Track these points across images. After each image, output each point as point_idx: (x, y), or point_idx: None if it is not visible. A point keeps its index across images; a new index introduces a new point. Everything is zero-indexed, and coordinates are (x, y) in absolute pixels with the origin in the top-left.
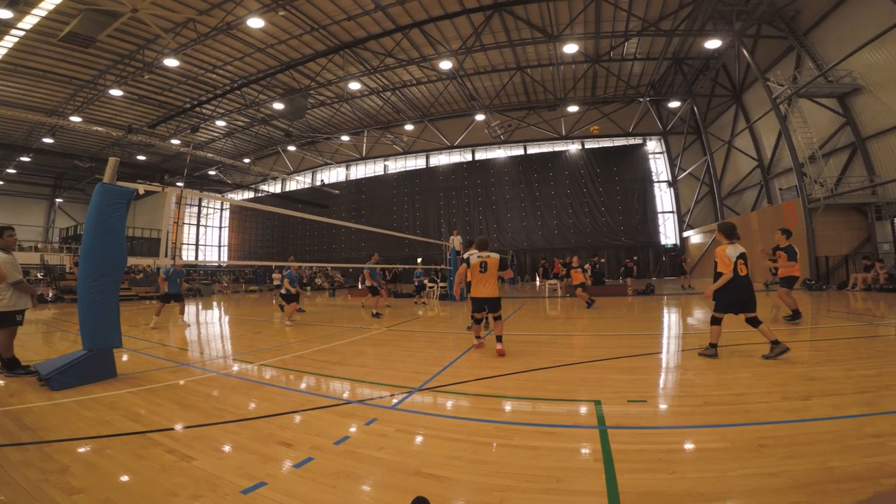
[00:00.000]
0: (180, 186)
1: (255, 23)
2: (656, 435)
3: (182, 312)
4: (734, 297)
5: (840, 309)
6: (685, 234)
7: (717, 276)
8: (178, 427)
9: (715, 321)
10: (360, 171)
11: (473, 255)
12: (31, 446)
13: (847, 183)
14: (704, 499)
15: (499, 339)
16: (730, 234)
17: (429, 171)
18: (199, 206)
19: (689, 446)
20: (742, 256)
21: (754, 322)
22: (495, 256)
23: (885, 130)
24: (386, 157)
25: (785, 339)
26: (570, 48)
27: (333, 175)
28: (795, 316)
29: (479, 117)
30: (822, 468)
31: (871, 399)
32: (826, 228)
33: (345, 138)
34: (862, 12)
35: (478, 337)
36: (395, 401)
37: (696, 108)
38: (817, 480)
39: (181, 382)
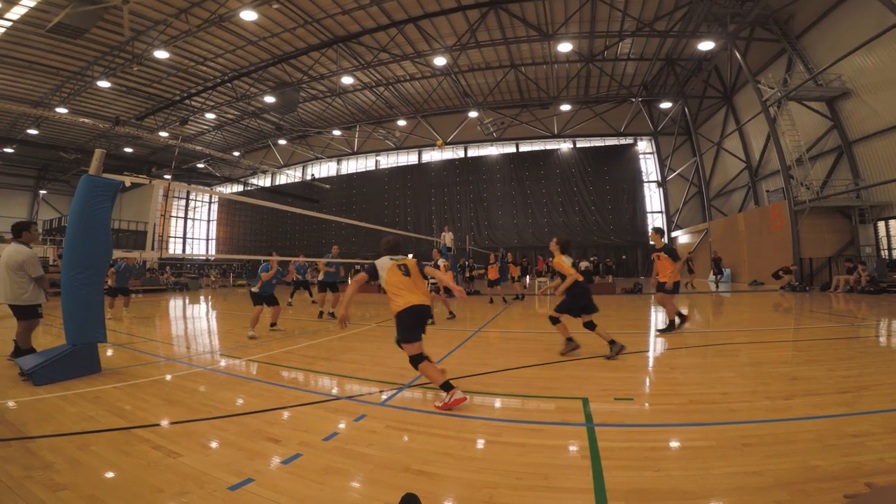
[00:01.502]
0: (168, 179)
1: (249, 15)
2: (642, 433)
3: (126, 305)
4: (577, 301)
5: (823, 310)
6: (673, 234)
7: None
8: (165, 423)
9: (554, 320)
10: (352, 165)
11: (385, 260)
12: (13, 442)
13: (832, 186)
14: (689, 496)
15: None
16: (564, 247)
17: (421, 168)
18: (187, 198)
19: (674, 444)
20: (576, 265)
21: (591, 325)
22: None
23: (871, 134)
24: (378, 152)
25: (770, 339)
26: (565, 47)
27: (324, 169)
28: (674, 324)
29: (473, 114)
30: (803, 467)
31: (851, 399)
32: (811, 231)
33: (336, 133)
34: (854, 17)
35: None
36: (384, 397)
37: (687, 110)
38: (799, 479)
39: (167, 378)
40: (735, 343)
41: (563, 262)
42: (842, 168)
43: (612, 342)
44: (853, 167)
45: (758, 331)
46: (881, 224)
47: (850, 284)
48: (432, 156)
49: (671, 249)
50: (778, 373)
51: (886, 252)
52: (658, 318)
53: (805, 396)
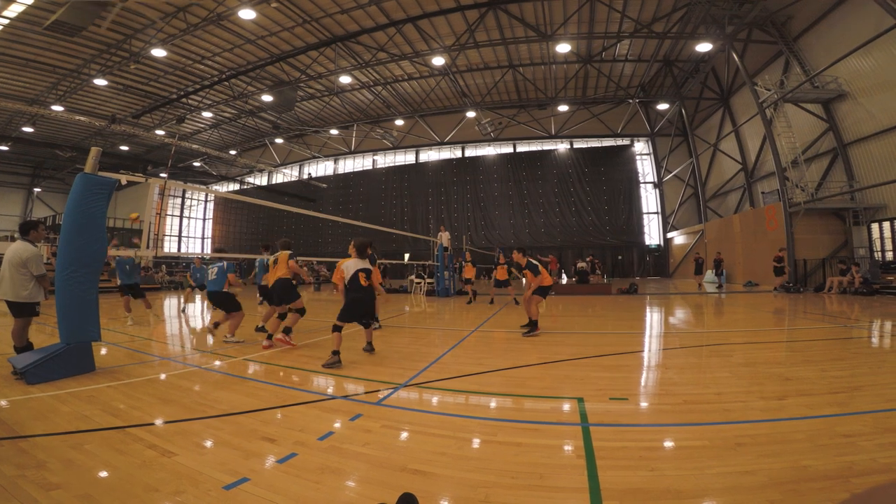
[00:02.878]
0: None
1: (247, 14)
2: (637, 432)
3: (128, 310)
4: (356, 309)
5: (816, 311)
6: (669, 234)
7: (345, 288)
8: (159, 422)
9: (337, 328)
10: (349, 165)
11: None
12: (5, 441)
13: (827, 188)
14: (684, 496)
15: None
16: (360, 251)
17: (418, 167)
18: (183, 197)
19: (668, 444)
20: (364, 270)
21: (367, 324)
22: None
23: (865, 137)
24: (375, 151)
25: (765, 340)
26: (563, 48)
27: (321, 168)
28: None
29: (470, 114)
30: (795, 467)
31: (844, 399)
32: (805, 232)
33: (334, 132)
34: (851, 19)
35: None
36: (380, 396)
37: (683, 111)
38: (791, 479)
39: (162, 377)
40: (730, 343)
41: (342, 267)
42: (837, 170)
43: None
44: (848, 169)
45: (752, 331)
46: (875, 226)
47: (844, 286)
48: (430, 155)
49: (533, 265)
50: (772, 373)
51: (880, 254)
52: (653, 318)
53: (798, 397)
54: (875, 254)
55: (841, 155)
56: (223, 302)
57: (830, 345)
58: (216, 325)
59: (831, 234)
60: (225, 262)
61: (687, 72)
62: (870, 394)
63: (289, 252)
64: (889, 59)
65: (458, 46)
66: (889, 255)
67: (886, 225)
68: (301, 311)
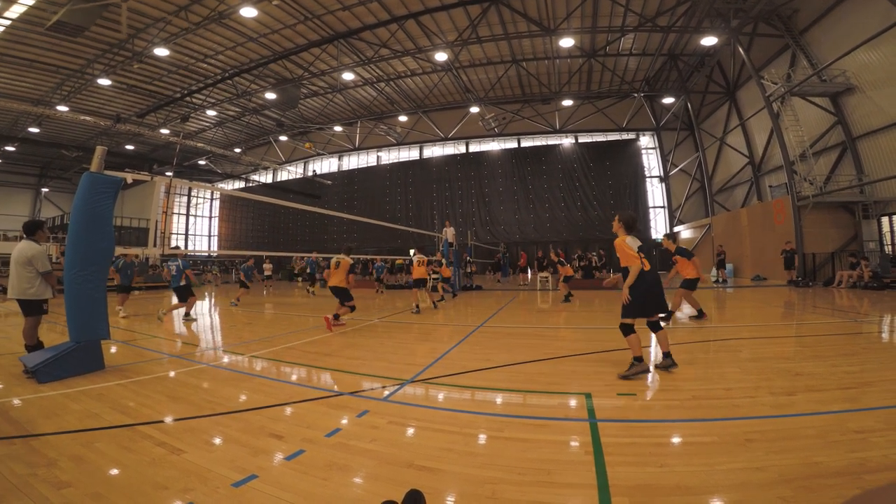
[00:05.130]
0: (169, 176)
1: (248, 12)
2: (645, 428)
3: (121, 304)
4: (642, 298)
5: (825, 306)
6: (675, 228)
7: (624, 271)
8: (168, 419)
9: (629, 330)
10: (353, 161)
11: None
12: (17, 440)
13: (836, 181)
14: (693, 492)
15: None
16: (629, 224)
17: (422, 163)
18: (189, 195)
19: (677, 440)
20: (642, 250)
21: (655, 326)
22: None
23: (875, 130)
24: (379, 147)
25: (773, 335)
26: (567, 42)
27: (326, 165)
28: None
29: (474, 109)
30: (806, 463)
31: (854, 395)
32: (814, 226)
33: (338, 129)
34: (859, 12)
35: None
36: (386, 392)
37: (689, 105)
38: (802, 475)
39: (171, 374)
40: (737, 338)
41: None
42: (845, 164)
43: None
44: (857, 163)
45: (760, 326)
46: (885, 219)
47: (853, 280)
48: (434, 151)
49: (685, 251)
50: (780, 368)
51: (890, 247)
52: None
53: (808, 392)
54: (885, 248)
55: (850, 148)
56: (182, 293)
57: (840, 340)
58: (166, 312)
59: (840, 228)
60: (180, 261)
61: (692, 66)
62: (881, 389)
63: (350, 262)
64: None
65: (461, 42)
66: None
67: None
68: (351, 308)
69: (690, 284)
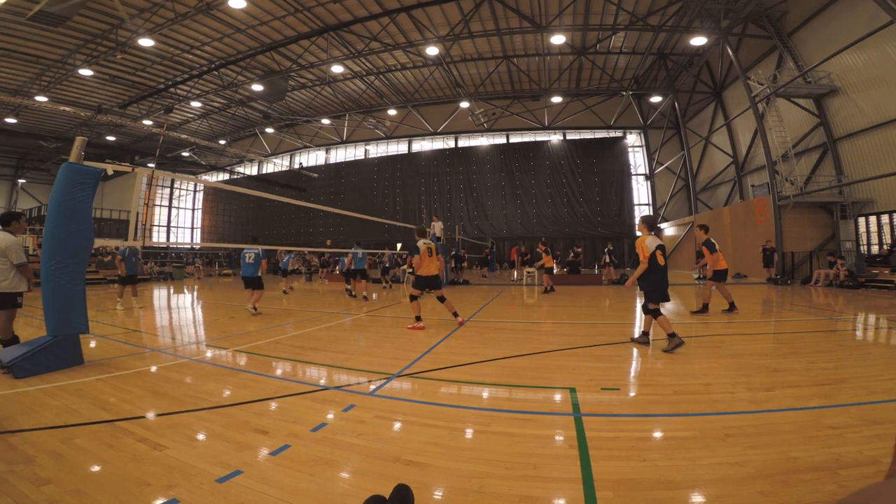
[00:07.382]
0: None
1: (237, 3)
2: (629, 423)
3: (135, 294)
4: (663, 287)
5: (803, 303)
6: (660, 226)
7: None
8: (150, 415)
9: (656, 313)
10: (340, 154)
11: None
12: None
13: (816, 182)
14: (676, 486)
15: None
16: (651, 225)
17: (411, 157)
18: (171, 187)
19: (659, 434)
20: (661, 248)
21: (656, 313)
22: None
23: (855, 132)
24: (367, 141)
25: (752, 332)
26: (558, 39)
27: (312, 158)
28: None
29: (464, 105)
30: (784, 458)
31: (830, 392)
32: (793, 225)
33: (325, 121)
34: (846, 16)
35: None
36: (373, 387)
37: (676, 104)
38: (780, 470)
39: (152, 369)
40: (717, 335)
41: (646, 244)
42: (826, 164)
43: (671, 335)
44: (837, 164)
45: (739, 323)
46: (861, 220)
47: (830, 278)
48: (423, 145)
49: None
50: (759, 365)
51: (866, 247)
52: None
53: (785, 388)
54: (861, 247)
55: (831, 150)
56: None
57: (816, 337)
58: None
59: (819, 228)
60: (260, 250)
61: (681, 65)
62: (855, 386)
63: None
64: (881, 56)
65: (453, 36)
66: (875, 249)
67: (873, 219)
68: (441, 298)
69: (720, 276)
